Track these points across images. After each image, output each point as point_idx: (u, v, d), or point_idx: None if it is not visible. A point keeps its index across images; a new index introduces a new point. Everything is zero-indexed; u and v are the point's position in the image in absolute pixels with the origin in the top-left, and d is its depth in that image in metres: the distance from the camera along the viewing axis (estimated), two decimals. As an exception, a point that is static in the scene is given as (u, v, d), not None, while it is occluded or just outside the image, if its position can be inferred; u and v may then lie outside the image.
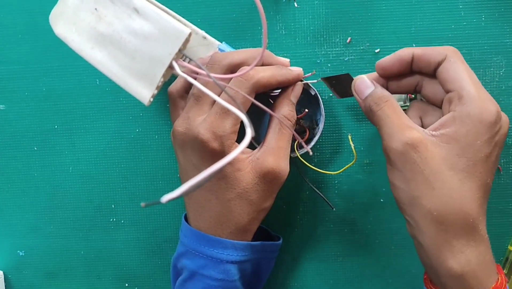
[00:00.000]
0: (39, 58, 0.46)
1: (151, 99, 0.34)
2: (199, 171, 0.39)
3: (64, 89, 0.46)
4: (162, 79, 0.34)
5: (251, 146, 0.43)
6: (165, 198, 0.24)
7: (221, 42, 0.42)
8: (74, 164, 0.47)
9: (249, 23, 0.45)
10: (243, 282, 0.41)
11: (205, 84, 0.36)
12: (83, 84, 0.46)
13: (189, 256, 0.40)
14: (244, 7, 0.45)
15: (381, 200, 0.47)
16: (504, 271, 0.47)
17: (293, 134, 0.40)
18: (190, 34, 0.33)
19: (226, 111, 0.37)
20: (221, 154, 0.38)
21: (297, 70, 0.41)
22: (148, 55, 0.34)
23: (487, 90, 0.35)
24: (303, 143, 0.41)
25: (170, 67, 0.33)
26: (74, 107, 0.47)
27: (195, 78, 0.33)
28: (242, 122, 0.38)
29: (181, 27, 0.33)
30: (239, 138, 0.39)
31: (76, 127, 0.47)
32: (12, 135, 0.47)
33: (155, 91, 0.34)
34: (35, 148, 0.47)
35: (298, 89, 0.41)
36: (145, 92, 0.34)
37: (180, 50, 0.33)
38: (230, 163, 0.38)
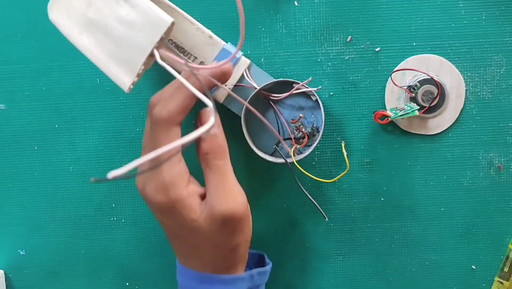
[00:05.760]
0: (39, 57, 0.46)
1: (131, 86, 0.35)
2: (149, 136, 0.38)
3: (64, 88, 0.46)
4: (143, 67, 0.34)
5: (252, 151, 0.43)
6: (111, 175, 0.24)
7: (227, 43, 0.42)
8: (75, 163, 0.47)
9: (249, 23, 0.45)
10: None
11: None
12: (84, 83, 0.46)
13: None
14: (244, 6, 0.45)
15: (382, 199, 0.47)
16: (505, 269, 0.47)
17: (293, 143, 0.39)
18: (173, 23, 0.34)
19: (180, 88, 0.36)
20: (166, 122, 0.36)
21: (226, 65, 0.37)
22: (132, 43, 0.34)
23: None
24: (290, 150, 0.41)
25: (151, 55, 0.34)
26: (75, 107, 0.47)
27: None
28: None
29: (164, 16, 0.34)
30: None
31: (77, 127, 0.47)
32: (13, 134, 0.47)
33: (136, 79, 0.35)
34: (36, 147, 0.47)
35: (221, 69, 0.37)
36: (126, 79, 0.35)
37: (162, 39, 0.34)
38: (183, 215, 0.37)
